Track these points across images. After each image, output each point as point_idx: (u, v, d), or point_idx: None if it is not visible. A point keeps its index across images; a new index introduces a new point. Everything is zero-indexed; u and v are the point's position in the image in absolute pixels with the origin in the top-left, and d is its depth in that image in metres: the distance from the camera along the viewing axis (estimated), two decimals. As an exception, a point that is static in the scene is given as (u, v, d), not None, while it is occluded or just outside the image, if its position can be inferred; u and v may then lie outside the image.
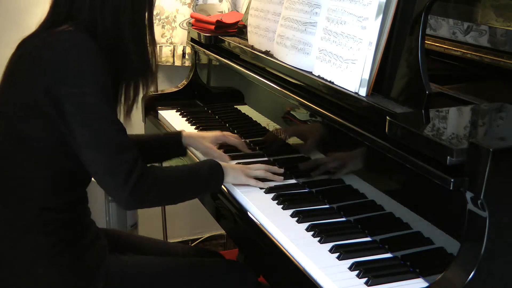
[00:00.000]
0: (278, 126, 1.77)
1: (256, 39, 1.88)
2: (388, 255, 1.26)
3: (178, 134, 1.79)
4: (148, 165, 1.44)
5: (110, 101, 1.37)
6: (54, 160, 1.38)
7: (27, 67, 1.35)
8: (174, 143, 1.78)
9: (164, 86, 2.79)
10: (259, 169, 1.61)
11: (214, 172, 1.54)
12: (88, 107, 1.31)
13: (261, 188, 1.57)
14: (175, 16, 2.67)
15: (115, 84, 1.44)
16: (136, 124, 2.51)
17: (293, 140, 1.70)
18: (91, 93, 1.31)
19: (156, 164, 1.63)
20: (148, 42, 1.46)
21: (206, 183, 1.53)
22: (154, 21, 2.57)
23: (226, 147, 1.82)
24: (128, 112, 1.50)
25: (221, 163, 1.57)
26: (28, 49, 1.38)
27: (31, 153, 1.37)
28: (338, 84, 1.43)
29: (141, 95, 1.54)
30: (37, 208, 1.38)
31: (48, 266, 1.38)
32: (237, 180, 1.58)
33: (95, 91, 1.32)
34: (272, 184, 1.59)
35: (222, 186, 1.62)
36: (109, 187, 1.38)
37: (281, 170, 1.64)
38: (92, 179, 1.46)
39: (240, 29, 2.10)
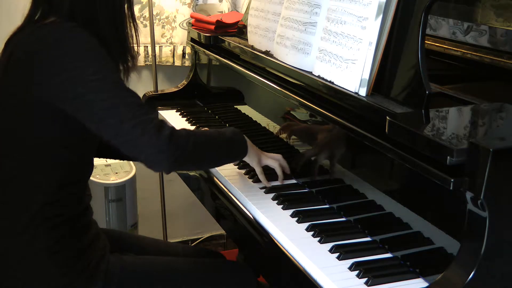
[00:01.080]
0: (278, 126, 1.78)
1: (256, 39, 1.88)
2: (388, 255, 1.26)
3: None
4: None
5: (116, 72, 1.36)
6: (54, 154, 1.37)
7: (23, 65, 1.34)
8: None
9: (164, 86, 2.79)
10: (275, 159, 1.61)
11: (240, 143, 1.53)
12: (101, 84, 1.29)
13: (261, 188, 1.57)
14: (175, 16, 2.68)
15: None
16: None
17: (293, 140, 1.70)
18: (94, 67, 1.29)
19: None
20: (128, 28, 1.45)
21: (231, 149, 1.51)
22: (154, 21, 2.58)
23: None
24: None
25: (247, 139, 1.56)
26: (18, 45, 1.37)
27: (31, 148, 1.37)
28: (338, 84, 1.43)
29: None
30: (39, 202, 1.37)
31: (47, 264, 1.38)
32: (251, 160, 1.57)
33: (97, 63, 1.30)
34: (273, 183, 1.59)
35: (222, 186, 1.63)
36: (146, 148, 1.29)
37: (288, 172, 1.63)
38: (91, 177, 1.46)
39: (240, 29, 2.10)
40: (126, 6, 1.46)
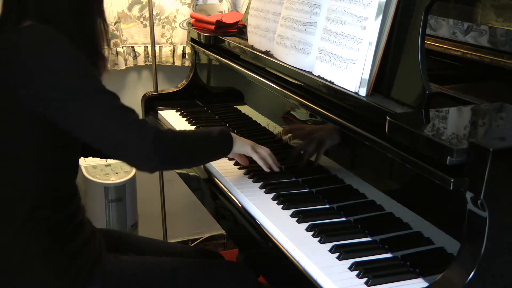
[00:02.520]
0: (278, 126, 1.78)
1: (256, 39, 1.88)
2: (388, 255, 1.26)
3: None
4: None
5: (94, 75, 1.35)
6: (39, 159, 1.37)
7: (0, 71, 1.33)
8: None
9: (164, 86, 2.79)
10: (265, 150, 1.64)
11: (224, 137, 1.56)
12: (76, 85, 1.29)
13: (261, 188, 1.57)
14: (175, 16, 2.68)
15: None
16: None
17: (293, 139, 1.70)
18: (73, 71, 1.30)
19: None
20: (97, 32, 1.43)
21: (216, 146, 1.55)
22: (154, 21, 2.58)
23: None
24: None
25: (234, 134, 1.60)
26: None
27: (15, 154, 1.36)
28: (338, 84, 1.43)
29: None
30: (27, 208, 1.37)
31: (41, 267, 1.38)
32: (243, 149, 1.61)
33: (78, 72, 1.30)
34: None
35: (222, 186, 1.63)
36: (131, 150, 1.32)
37: (278, 169, 1.65)
38: (80, 175, 1.45)
39: (240, 29, 2.10)
40: (93, 12, 1.43)
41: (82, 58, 1.33)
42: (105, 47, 1.48)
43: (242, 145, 1.61)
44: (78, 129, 1.32)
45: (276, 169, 1.64)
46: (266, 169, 1.62)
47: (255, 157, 1.62)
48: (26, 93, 1.30)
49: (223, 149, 1.58)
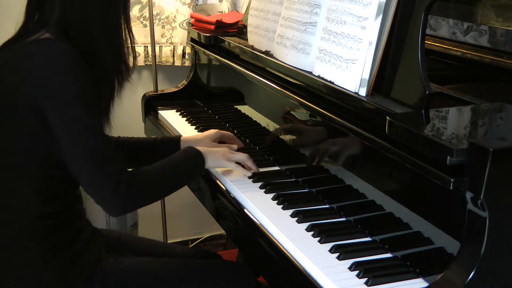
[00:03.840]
0: (278, 126, 1.77)
1: (256, 39, 1.88)
2: (388, 255, 1.26)
3: (176, 140, 1.78)
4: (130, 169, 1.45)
5: (94, 110, 1.34)
6: (41, 170, 1.36)
7: (5, 79, 1.33)
8: (172, 148, 1.77)
9: (164, 86, 2.79)
10: (241, 154, 1.65)
11: (195, 161, 1.56)
12: (71, 120, 1.30)
13: (260, 188, 1.57)
14: (175, 16, 2.68)
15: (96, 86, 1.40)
16: (136, 124, 2.51)
17: (293, 140, 1.70)
18: (74, 105, 1.29)
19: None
20: (123, 41, 1.43)
21: (189, 174, 1.57)
22: (154, 21, 2.58)
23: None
24: (106, 114, 1.45)
25: (201, 148, 1.59)
26: (4, 59, 1.35)
27: (17, 164, 1.36)
28: (338, 84, 1.43)
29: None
30: (26, 216, 1.37)
31: (41, 271, 1.38)
32: (217, 163, 1.61)
33: (78, 103, 1.29)
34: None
35: (222, 186, 1.62)
36: (97, 198, 1.37)
37: (258, 170, 1.65)
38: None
39: (240, 29, 2.10)
40: (122, 17, 1.43)
41: (91, 88, 1.33)
42: (131, 56, 1.48)
43: (215, 160, 1.60)
44: (63, 154, 1.33)
45: (255, 170, 1.64)
46: (247, 174, 1.62)
47: (232, 167, 1.62)
48: (27, 107, 1.30)
49: (196, 173, 1.60)
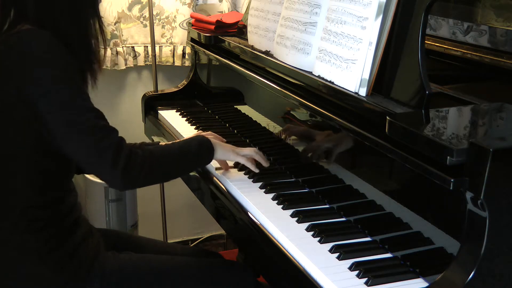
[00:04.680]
0: (278, 126, 1.77)
1: (256, 39, 1.88)
2: (388, 255, 1.26)
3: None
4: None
5: (81, 90, 1.37)
6: (33, 160, 1.38)
7: None
8: None
9: (164, 86, 2.79)
10: (250, 149, 1.65)
11: (203, 148, 1.56)
12: (60, 103, 1.32)
13: (261, 188, 1.57)
14: (175, 16, 2.68)
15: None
16: (136, 124, 2.51)
17: (293, 140, 1.70)
18: (61, 88, 1.32)
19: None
20: (91, 29, 1.44)
21: (196, 159, 1.56)
22: (154, 21, 2.58)
23: None
24: None
25: (211, 139, 1.59)
26: None
27: (9, 155, 1.37)
28: (338, 84, 1.43)
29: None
30: (20, 207, 1.38)
31: (39, 265, 1.38)
32: (226, 156, 1.62)
33: (64, 85, 1.32)
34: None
35: (222, 186, 1.62)
36: (99, 173, 1.38)
37: (268, 163, 1.65)
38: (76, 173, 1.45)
39: (240, 29, 2.10)
40: (88, 6, 1.44)
41: (75, 71, 1.35)
42: (102, 47, 1.49)
43: (224, 153, 1.61)
44: (58, 139, 1.34)
45: (266, 164, 1.64)
46: (255, 170, 1.62)
47: (241, 161, 1.62)
48: (17, 98, 1.32)
49: (202, 160, 1.59)
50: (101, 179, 1.40)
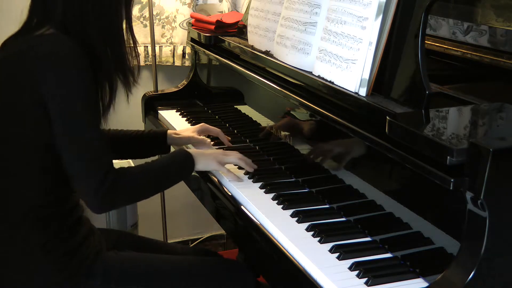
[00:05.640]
0: (278, 126, 1.77)
1: (256, 39, 1.88)
2: (388, 255, 1.26)
3: (163, 134, 1.81)
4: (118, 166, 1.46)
5: (93, 106, 1.37)
6: (41, 159, 1.38)
7: (11, 71, 1.35)
8: (159, 142, 1.80)
9: (164, 86, 2.79)
10: (234, 156, 1.63)
11: (184, 164, 1.56)
12: (69, 114, 1.32)
13: (261, 188, 1.57)
14: (175, 16, 2.68)
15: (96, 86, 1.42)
16: (136, 124, 2.51)
17: (293, 140, 1.70)
18: (73, 97, 1.32)
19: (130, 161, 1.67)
20: (123, 43, 1.45)
21: (177, 177, 1.58)
22: (154, 21, 2.58)
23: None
24: (105, 113, 1.47)
25: (192, 150, 1.60)
26: (10, 51, 1.38)
27: (18, 153, 1.38)
28: (338, 84, 1.43)
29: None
30: (24, 206, 1.39)
31: (42, 262, 1.39)
32: (208, 167, 1.62)
33: (77, 95, 1.32)
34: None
35: (222, 186, 1.62)
36: (82, 191, 1.40)
37: (255, 166, 1.65)
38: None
39: (240, 29, 2.10)
40: (124, 22, 1.45)
41: (92, 82, 1.35)
42: (135, 57, 1.50)
43: (206, 164, 1.60)
44: (59, 147, 1.35)
45: (250, 169, 1.63)
46: (243, 177, 1.62)
47: (223, 171, 1.62)
48: (31, 98, 1.32)
49: (183, 177, 1.61)
50: (80, 196, 1.43)
